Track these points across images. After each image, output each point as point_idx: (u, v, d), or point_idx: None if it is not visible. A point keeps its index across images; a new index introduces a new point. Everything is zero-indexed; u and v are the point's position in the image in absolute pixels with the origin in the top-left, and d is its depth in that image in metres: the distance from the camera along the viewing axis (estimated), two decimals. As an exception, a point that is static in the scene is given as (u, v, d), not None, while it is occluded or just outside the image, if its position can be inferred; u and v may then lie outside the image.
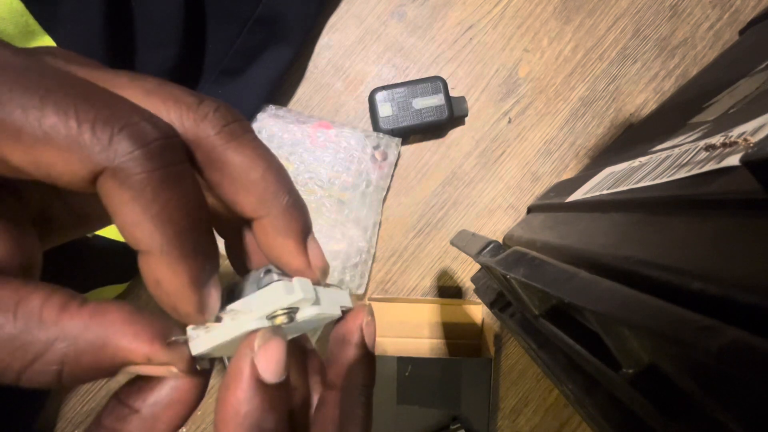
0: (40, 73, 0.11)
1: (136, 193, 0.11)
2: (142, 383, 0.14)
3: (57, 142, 0.10)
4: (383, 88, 0.51)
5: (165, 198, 0.11)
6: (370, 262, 0.51)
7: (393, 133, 0.51)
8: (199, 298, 0.13)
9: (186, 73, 0.44)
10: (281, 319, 0.14)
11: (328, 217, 0.49)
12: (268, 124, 0.49)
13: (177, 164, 0.12)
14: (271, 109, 0.50)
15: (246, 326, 0.14)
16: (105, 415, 0.14)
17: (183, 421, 0.14)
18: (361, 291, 0.51)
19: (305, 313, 0.15)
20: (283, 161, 0.20)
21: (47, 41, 0.33)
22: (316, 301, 0.15)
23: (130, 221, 0.11)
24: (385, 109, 0.50)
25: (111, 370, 0.12)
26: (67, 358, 0.12)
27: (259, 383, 0.13)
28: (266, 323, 0.14)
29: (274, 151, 0.16)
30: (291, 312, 0.15)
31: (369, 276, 0.53)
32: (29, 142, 0.10)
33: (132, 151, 0.11)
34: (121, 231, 0.12)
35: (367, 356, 0.18)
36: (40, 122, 0.10)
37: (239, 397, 0.13)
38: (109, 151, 0.11)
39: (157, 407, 0.14)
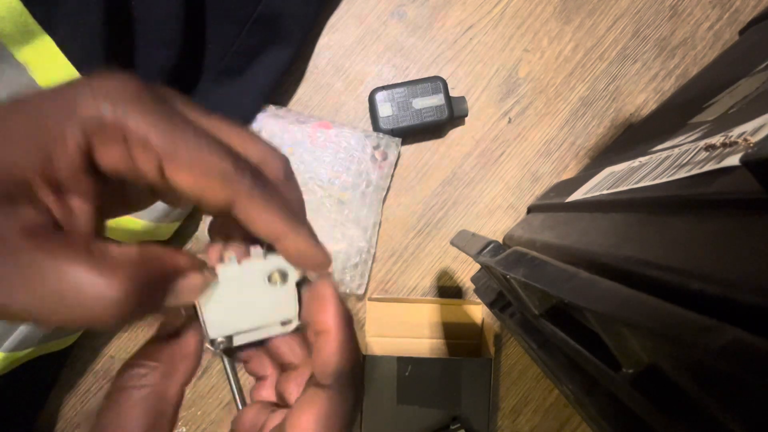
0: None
1: (267, 201, 0.16)
2: (152, 346, 0.17)
3: (215, 174, 0.15)
4: (383, 88, 0.51)
5: (281, 199, 0.17)
6: (370, 262, 0.51)
7: (393, 133, 0.51)
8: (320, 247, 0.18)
9: (186, 73, 0.44)
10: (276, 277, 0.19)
11: (328, 217, 0.49)
12: (268, 124, 0.49)
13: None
14: (271, 109, 0.50)
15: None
16: (121, 378, 0.17)
17: (189, 380, 0.18)
18: (361, 291, 0.51)
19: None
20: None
21: (47, 41, 0.33)
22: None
23: (266, 217, 0.17)
24: (385, 109, 0.50)
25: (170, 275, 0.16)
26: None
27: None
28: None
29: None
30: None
31: (369, 276, 0.53)
32: (199, 172, 0.15)
33: (254, 184, 0.16)
34: (263, 227, 0.17)
35: (347, 328, 0.18)
36: (213, 163, 0.16)
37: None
38: (241, 184, 0.16)
39: (173, 360, 0.17)
